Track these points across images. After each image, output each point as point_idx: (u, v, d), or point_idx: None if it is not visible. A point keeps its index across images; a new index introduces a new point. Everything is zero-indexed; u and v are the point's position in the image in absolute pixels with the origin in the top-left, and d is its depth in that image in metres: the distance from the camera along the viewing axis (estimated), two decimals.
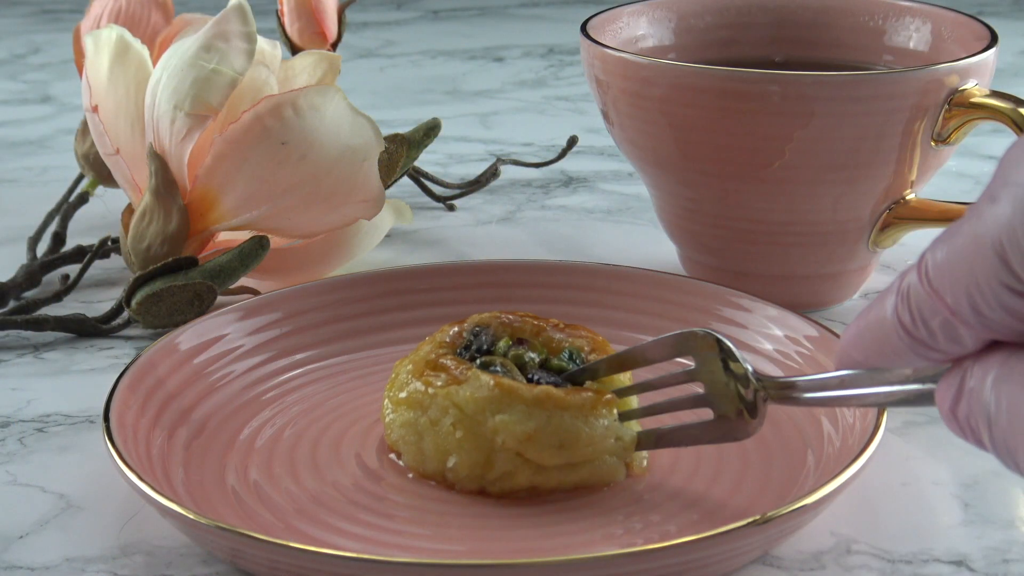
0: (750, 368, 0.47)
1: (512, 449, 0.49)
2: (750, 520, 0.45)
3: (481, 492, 0.50)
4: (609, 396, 0.50)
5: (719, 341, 0.48)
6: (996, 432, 0.34)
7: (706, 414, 0.49)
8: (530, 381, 0.51)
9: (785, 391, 0.46)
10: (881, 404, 0.42)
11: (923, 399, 0.40)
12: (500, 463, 0.50)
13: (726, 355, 0.48)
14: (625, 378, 0.52)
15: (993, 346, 0.35)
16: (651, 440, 0.51)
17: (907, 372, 0.40)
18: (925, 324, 0.35)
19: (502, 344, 0.53)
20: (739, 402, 0.47)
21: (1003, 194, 0.32)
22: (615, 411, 0.50)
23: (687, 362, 0.49)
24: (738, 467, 0.52)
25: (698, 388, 0.49)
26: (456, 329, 0.54)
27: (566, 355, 0.53)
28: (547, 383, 0.51)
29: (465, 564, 0.44)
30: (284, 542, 0.44)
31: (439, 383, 0.51)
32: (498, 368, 0.51)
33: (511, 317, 0.54)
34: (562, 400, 0.50)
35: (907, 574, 0.47)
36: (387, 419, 0.52)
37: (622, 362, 0.51)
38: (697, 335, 0.48)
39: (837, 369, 0.41)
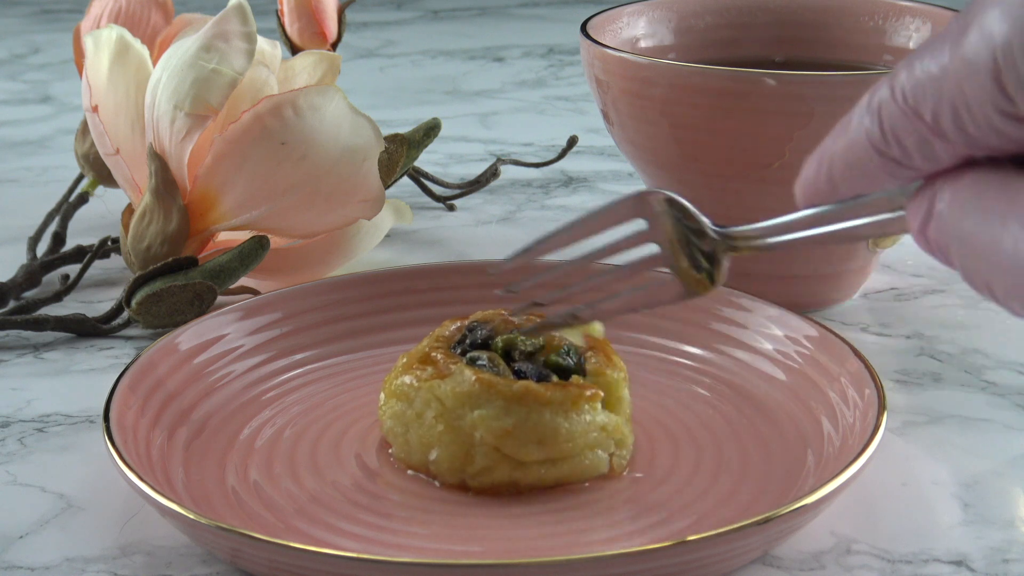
0: (707, 221, 0.45)
1: (491, 444, 0.50)
2: (750, 520, 0.45)
3: (462, 486, 0.51)
4: (592, 391, 0.50)
5: (669, 198, 0.45)
6: (964, 255, 0.34)
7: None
8: (517, 373, 0.51)
9: (749, 240, 0.44)
10: (852, 238, 0.40)
11: (894, 226, 0.38)
12: (480, 458, 0.50)
13: (679, 211, 0.45)
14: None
15: (964, 164, 0.34)
16: (611, 308, 0.48)
17: (876, 201, 0.38)
18: (898, 142, 0.34)
19: (499, 339, 0.53)
20: (698, 256, 0.45)
21: (992, 14, 0.31)
22: (599, 405, 0.51)
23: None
24: (738, 467, 0.52)
25: (653, 248, 0.46)
26: (457, 324, 0.54)
27: (564, 351, 0.53)
28: (533, 376, 0.51)
29: (465, 564, 0.44)
30: (284, 542, 0.44)
31: (425, 376, 0.51)
32: (484, 362, 0.51)
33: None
34: (541, 396, 0.50)
35: (907, 574, 0.47)
36: (380, 410, 0.53)
37: (572, 237, 0.48)
38: (646, 195, 0.46)
39: (803, 207, 0.39)
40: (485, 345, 0.53)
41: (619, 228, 0.46)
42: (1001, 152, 0.33)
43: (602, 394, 0.51)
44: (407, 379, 0.52)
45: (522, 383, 0.50)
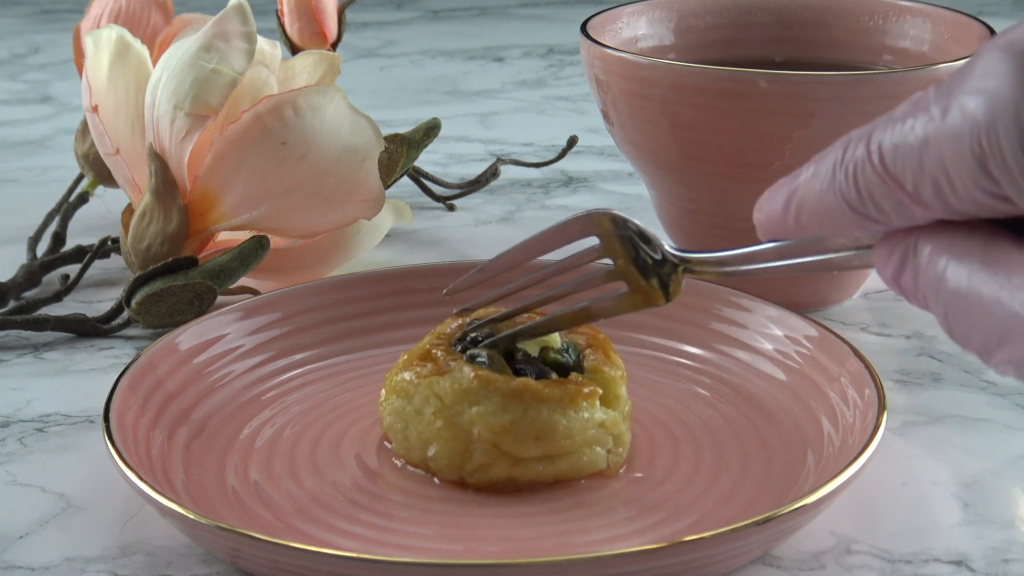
0: (666, 244, 0.46)
1: (489, 441, 0.50)
2: (750, 520, 0.45)
3: (461, 483, 0.51)
4: (590, 389, 0.50)
5: (616, 217, 0.47)
6: (950, 308, 0.34)
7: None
8: (517, 371, 0.51)
9: (708, 267, 0.45)
10: (814, 271, 0.40)
11: (858, 262, 0.39)
12: (478, 454, 0.50)
13: (631, 230, 0.46)
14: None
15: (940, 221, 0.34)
16: (568, 319, 0.50)
17: (841, 241, 0.39)
18: (875, 204, 0.35)
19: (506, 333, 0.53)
20: (651, 271, 0.46)
21: (976, 97, 0.32)
22: (597, 402, 0.51)
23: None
24: (738, 467, 0.52)
25: (607, 263, 0.48)
26: (458, 322, 0.54)
27: (563, 348, 0.53)
28: (532, 373, 0.51)
29: (465, 564, 0.44)
30: (284, 542, 0.44)
31: (424, 373, 0.51)
32: (484, 359, 0.51)
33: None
34: (539, 393, 0.50)
35: (907, 574, 0.47)
36: (380, 406, 0.53)
37: (521, 257, 0.50)
38: (594, 215, 0.47)
39: (764, 240, 0.40)
40: (486, 339, 0.53)
41: (570, 247, 0.49)
42: (979, 217, 0.34)
43: (600, 391, 0.51)
44: (407, 375, 0.52)
45: (520, 380, 0.50)
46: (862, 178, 0.35)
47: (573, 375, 0.51)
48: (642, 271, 0.47)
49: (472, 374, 0.50)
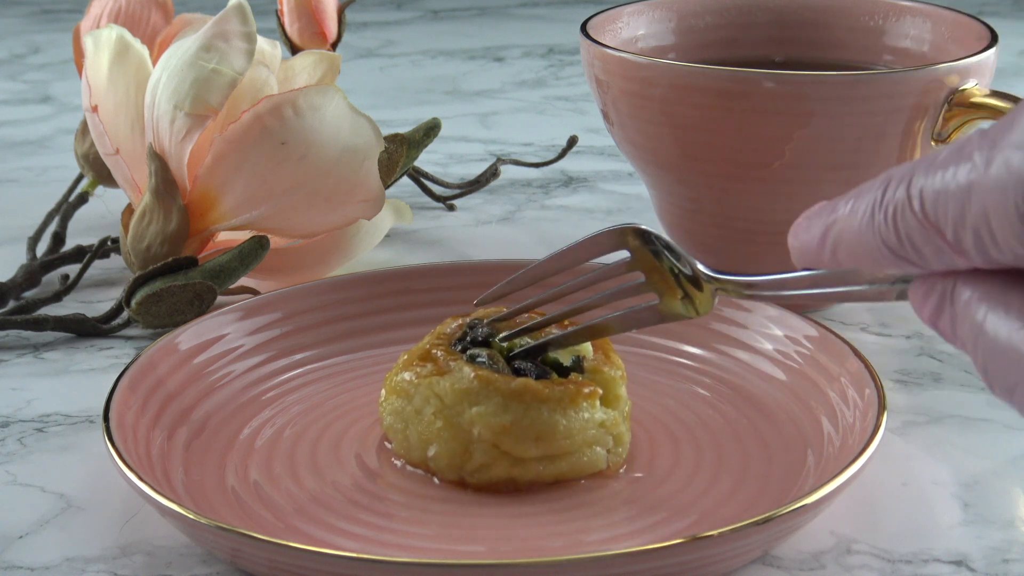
0: (700, 266, 0.47)
1: (489, 441, 0.50)
2: (750, 520, 0.45)
3: (461, 483, 0.51)
4: (591, 389, 0.50)
5: (646, 232, 0.48)
6: (990, 357, 0.34)
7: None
8: (517, 371, 0.51)
9: (741, 288, 0.46)
10: (845, 300, 0.41)
11: (891, 295, 0.39)
12: (478, 454, 0.50)
13: (662, 245, 0.48)
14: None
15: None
16: (601, 329, 0.51)
17: (878, 275, 0.39)
18: (915, 248, 0.34)
19: (505, 335, 0.53)
20: (682, 285, 0.47)
21: (1019, 152, 0.31)
22: (597, 402, 0.51)
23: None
24: (738, 467, 0.52)
25: (638, 277, 0.49)
26: (458, 322, 0.54)
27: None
28: (532, 374, 0.51)
29: (464, 564, 0.44)
30: (284, 542, 0.44)
31: (424, 373, 0.51)
32: (484, 360, 0.51)
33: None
34: (540, 393, 0.50)
35: (907, 574, 0.47)
36: (380, 406, 0.53)
37: (550, 270, 0.50)
38: (625, 229, 0.48)
39: (800, 267, 0.39)
40: (486, 343, 0.53)
41: (600, 259, 0.49)
42: (1018, 268, 0.33)
43: (600, 391, 0.51)
44: (407, 375, 0.52)
45: (521, 380, 0.50)
46: (902, 222, 0.34)
47: (573, 375, 0.51)
48: (676, 283, 0.47)
49: (472, 374, 0.50)
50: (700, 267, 0.47)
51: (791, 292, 0.43)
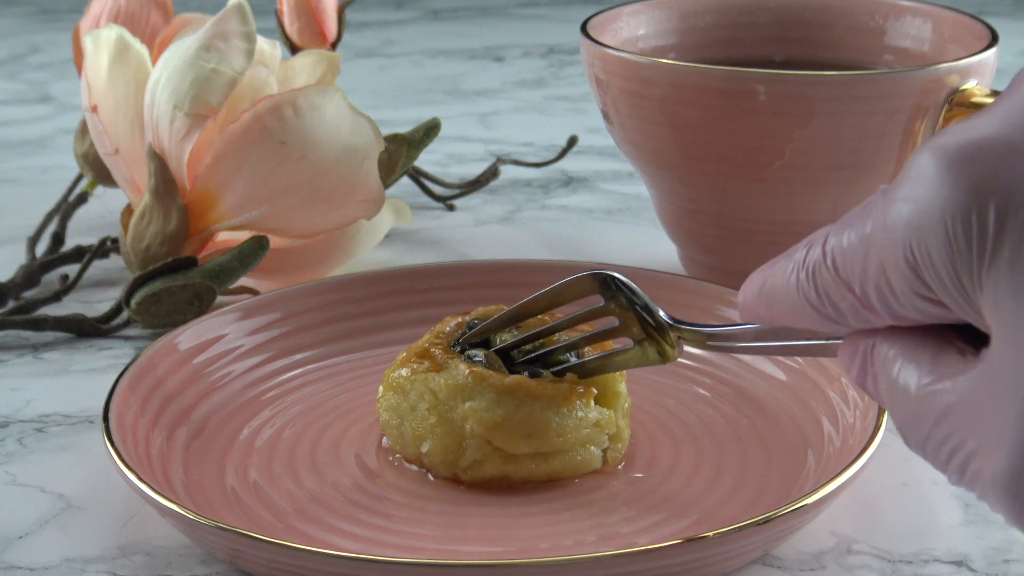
0: (662, 313, 0.48)
1: (481, 436, 0.50)
2: (750, 520, 0.45)
3: (455, 479, 0.51)
4: (584, 388, 0.51)
5: (614, 278, 0.49)
6: (901, 413, 0.34)
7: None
8: (512, 371, 0.51)
9: (697, 338, 0.47)
10: (786, 354, 0.42)
11: (827, 351, 0.40)
12: (471, 450, 0.50)
13: (629, 291, 0.49)
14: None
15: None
16: (579, 372, 0.52)
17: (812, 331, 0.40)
18: (833, 305, 0.35)
19: (500, 336, 0.53)
20: (650, 334, 0.49)
21: (901, 204, 0.32)
22: (592, 402, 0.51)
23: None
24: (738, 467, 0.52)
25: (612, 321, 0.50)
26: (457, 320, 0.54)
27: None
28: (529, 372, 0.51)
29: (465, 564, 0.44)
30: (284, 542, 0.44)
31: (420, 369, 0.51)
32: (480, 358, 0.51)
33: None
34: (533, 390, 0.50)
35: (907, 574, 0.47)
36: (378, 402, 0.53)
37: (524, 314, 0.52)
38: (597, 275, 0.49)
39: (743, 321, 0.41)
40: (485, 342, 0.53)
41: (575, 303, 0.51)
42: (923, 323, 0.34)
43: (595, 391, 0.51)
44: (403, 372, 0.52)
45: (514, 377, 0.50)
46: (820, 281, 0.35)
47: (569, 375, 0.51)
48: (645, 332, 0.49)
49: (467, 371, 0.50)
50: (663, 315, 0.48)
51: (740, 343, 0.44)
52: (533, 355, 0.52)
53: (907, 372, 0.34)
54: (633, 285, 0.49)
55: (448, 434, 0.50)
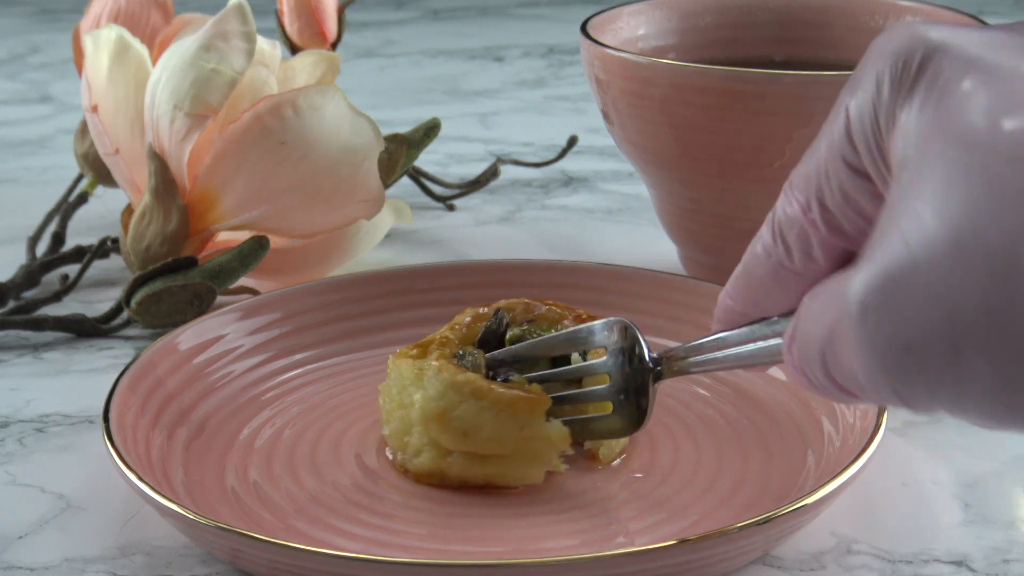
0: (647, 350, 0.49)
1: (421, 426, 0.50)
2: (750, 520, 0.45)
3: (404, 472, 0.51)
4: (537, 398, 0.50)
5: (625, 327, 0.50)
6: (796, 347, 0.35)
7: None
8: (496, 376, 0.52)
9: (674, 362, 0.48)
10: (745, 364, 0.42)
11: (775, 353, 0.40)
12: (413, 439, 0.51)
13: (631, 341, 0.49)
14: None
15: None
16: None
17: (775, 327, 0.40)
18: (783, 240, 0.36)
19: (516, 330, 0.53)
20: (632, 393, 0.49)
21: (849, 89, 0.34)
22: (543, 415, 0.50)
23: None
24: (738, 467, 0.52)
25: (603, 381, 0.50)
26: (478, 311, 0.54)
27: None
28: (502, 376, 0.51)
29: (465, 564, 0.44)
30: (284, 542, 0.44)
31: (406, 354, 0.52)
32: (467, 360, 0.51)
33: (538, 304, 0.55)
34: (480, 389, 0.49)
35: (907, 574, 0.47)
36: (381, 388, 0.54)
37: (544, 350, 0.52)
38: (612, 325, 0.50)
39: (717, 325, 0.42)
40: (501, 336, 0.53)
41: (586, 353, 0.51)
42: (855, 246, 0.35)
43: (548, 404, 0.50)
44: (392, 355, 0.53)
45: (471, 375, 0.50)
46: (778, 215, 0.37)
47: (535, 386, 0.51)
48: (626, 393, 0.50)
49: (436, 363, 0.50)
50: (647, 353, 0.49)
51: (708, 356, 0.45)
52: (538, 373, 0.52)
53: (810, 301, 0.35)
54: (639, 336, 0.49)
55: (401, 419, 0.51)
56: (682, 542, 0.44)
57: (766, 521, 0.45)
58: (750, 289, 0.39)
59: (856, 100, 0.34)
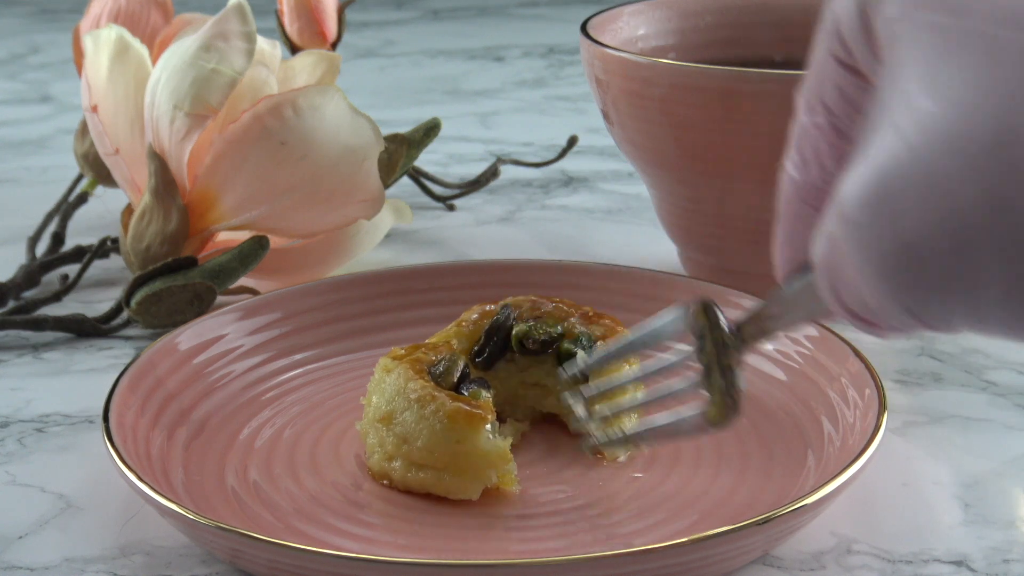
0: (726, 325, 0.43)
1: (372, 427, 0.51)
2: (750, 520, 0.45)
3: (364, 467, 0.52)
4: (475, 413, 0.49)
5: (706, 306, 0.43)
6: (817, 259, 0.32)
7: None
8: (458, 388, 0.51)
9: (752, 324, 0.42)
10: (813, 316, 0.38)
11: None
12: (369, 439, 0.51)
13: (713, 321, 0.43)
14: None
15: None
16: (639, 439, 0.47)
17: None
18: (803, 156, 0.34)
19: (522, 326, 0.54)
20: (722, 380, 0.43)
21: None
22: (481, 431, 0.49)
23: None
24: (738, 467, 0.52)
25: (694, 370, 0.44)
26: (485, 308, 0.54)
27: (577, 340, 0.53)
28: (467, 389, 0.51)
29: (465, 564, 0.44)
30: (284, 542, 0.44)
31: (395, 353, 0.52)
32: (440, 366, 0.52)
33: (545, 301, 0.55)
34: (423, 397, 0.50)
35: (907, 574, 0.47)
36: None
37: (625, 356, 0.47)
38: (693, 310, 0.44)
39: (783, 281, 0.38)
40: (508, 331, 0.54)
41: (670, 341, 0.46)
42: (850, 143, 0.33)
43: (489, 420, 0.49)
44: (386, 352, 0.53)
45: (421, 382, 0.50)
46: (796, 134, 0.35)
47: (484, 402, 0.50)
48: (722, 379, 0.43)
49: (397, 367, 0.51)
50: (727, 328, 0.43)
51: (774, 317, 0.40)
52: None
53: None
54: (718, 311, 0.43)
55: (366, 418, 0.52)
56: (682, 542, 0.44)
57: (766, 521, 0.45)
58: (793, 223, 0.35)
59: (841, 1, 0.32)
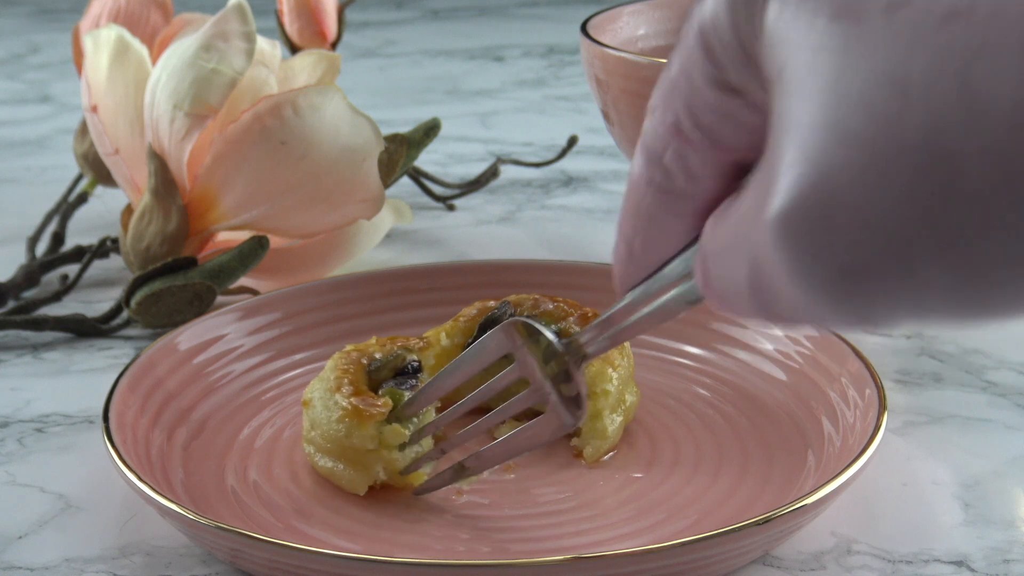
0: (552, 337, 0.44)
1: (308, 424, 0.51)
2: (750, 520, 0.45)
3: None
4: (363, 411, 0.49)
5: (524, 325, 0.45)
6: (715, 282, 0.32)
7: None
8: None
9: (587, 343, 0.43)
10: (669, 315, 0.38)
11: (692, 294, 0.37)
12: (312, 435, 0.52)
13: (533, 337, 0.45)
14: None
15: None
16: (496, 453, 0.48)
17: (678, 269, 0.37)
18: (659, 163, 0.33)
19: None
20: (561, 386, 0.44)
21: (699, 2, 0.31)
22: (371, 430, 0.49)
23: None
24: (738, 467, 0.52)
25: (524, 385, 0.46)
26: (486, 304, 0.55)
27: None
28: (407, 386, 0.51)
29: (464, 564, 0.44)
30: (283, 542, 0.44)
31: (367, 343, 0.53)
32: (377, 362, 0.52)
33: (546, 300, 0.55)
34: (332, 388, 0.51)
35: (907, 574, 0.47)
36: None
37: (452, 384, 0.48)
38: (508, 327, 0.45)
39: (621, 291, 0.38)
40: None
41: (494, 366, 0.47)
42: (742, 157, 0.32)
43: (375, 420, 0.49)
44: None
45: (340, 373, 0.51)
46: (648, 139, 0.34)
47: (385, 400, 0.50)
48: (556, 389, 0.45)
49: (340, 360, 0.52)
50: (555, 341, 0.44)
51: (622, 326, 0.41)
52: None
53: (712, 226, 0.32)
54: (535, 324, 0.45)
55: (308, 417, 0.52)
56: (682, 542, 0.44)
57: (766, 521, 0.45)
58: (642, 229, 0.35)
59: (706, 15, 0.30)
